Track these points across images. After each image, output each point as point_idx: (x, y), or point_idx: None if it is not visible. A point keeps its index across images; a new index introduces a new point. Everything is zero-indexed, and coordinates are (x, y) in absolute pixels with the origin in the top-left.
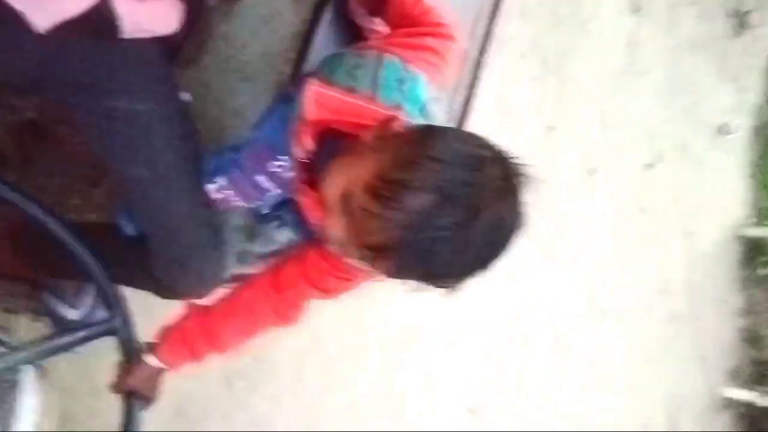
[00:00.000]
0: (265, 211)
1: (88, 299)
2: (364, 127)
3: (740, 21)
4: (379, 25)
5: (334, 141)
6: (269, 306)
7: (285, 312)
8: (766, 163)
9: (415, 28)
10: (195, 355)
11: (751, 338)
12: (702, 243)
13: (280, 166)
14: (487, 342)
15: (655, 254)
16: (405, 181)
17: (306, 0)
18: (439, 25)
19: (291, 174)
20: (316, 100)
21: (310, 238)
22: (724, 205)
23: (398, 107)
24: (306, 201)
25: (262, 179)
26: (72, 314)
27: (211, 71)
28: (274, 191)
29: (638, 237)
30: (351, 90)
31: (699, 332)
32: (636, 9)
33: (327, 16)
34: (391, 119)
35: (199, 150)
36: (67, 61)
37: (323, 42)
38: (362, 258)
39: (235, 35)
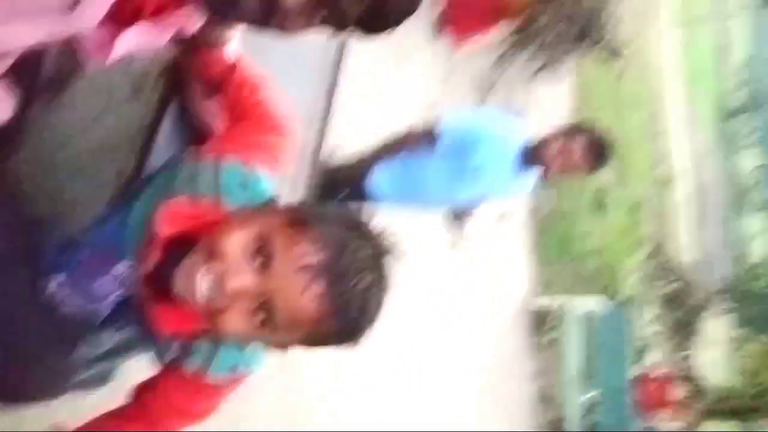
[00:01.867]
0: (106, 313)
1: None
2: (214, 224)
3: None
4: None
5: (179, 245)
6: None
7: None
8: (543, 240)
9: (251, 126)
10: None
11: (544, 399)
12: (501, 317)
13: (123, 269)
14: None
15: (465, 331)
16: (319, 214)
17: (146, 95)
18: (272, 119)
19: (135, 276)
20: (167, 217)
21: (154, 337)
22: (515, 281)
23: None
24: (158, 314)
25: (104, 282)
26: None
27: (36, 161)
28: (117, 293)
29: (449, 317)
30: (195, 198)
31: (504, 399)
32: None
33: (170, 113)
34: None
35: (38, 241)
36: None
37: (167, 137)
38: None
39: (63, 126)
